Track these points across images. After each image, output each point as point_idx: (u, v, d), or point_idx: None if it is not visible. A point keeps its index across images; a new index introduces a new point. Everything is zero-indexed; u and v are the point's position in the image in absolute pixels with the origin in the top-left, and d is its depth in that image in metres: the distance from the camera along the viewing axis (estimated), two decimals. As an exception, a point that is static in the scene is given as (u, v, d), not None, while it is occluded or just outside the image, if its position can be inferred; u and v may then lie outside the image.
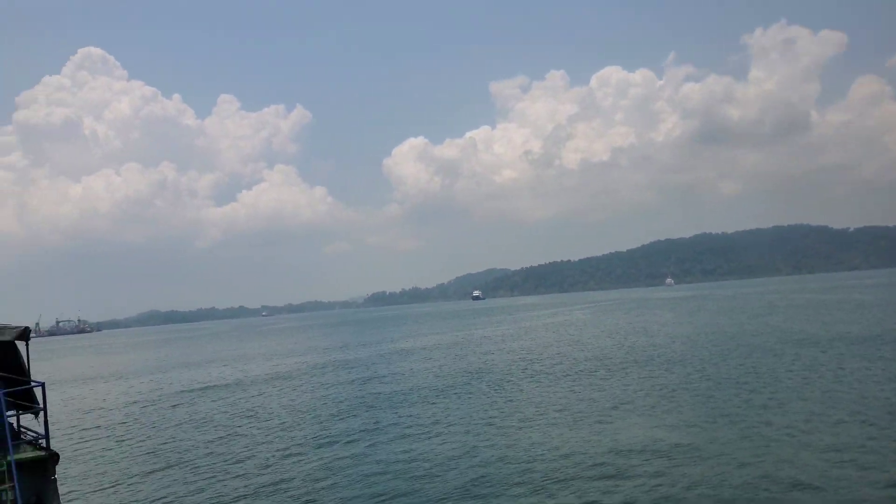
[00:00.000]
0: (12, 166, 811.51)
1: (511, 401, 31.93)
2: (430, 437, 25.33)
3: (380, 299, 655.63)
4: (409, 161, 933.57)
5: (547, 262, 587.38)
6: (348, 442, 25.84)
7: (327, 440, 26.45)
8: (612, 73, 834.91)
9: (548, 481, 18.82)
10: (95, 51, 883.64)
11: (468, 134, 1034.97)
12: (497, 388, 36.36)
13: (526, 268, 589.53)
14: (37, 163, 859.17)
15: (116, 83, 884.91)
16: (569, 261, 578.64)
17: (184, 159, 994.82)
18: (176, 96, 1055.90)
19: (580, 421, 26.15)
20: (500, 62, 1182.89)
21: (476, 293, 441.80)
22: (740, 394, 28.89)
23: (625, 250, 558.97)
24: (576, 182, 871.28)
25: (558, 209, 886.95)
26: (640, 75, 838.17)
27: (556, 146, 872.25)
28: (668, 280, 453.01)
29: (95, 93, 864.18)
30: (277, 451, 25.21)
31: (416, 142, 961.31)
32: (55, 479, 10.44)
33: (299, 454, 24.45)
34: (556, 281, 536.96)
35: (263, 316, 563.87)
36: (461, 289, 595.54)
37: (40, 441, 10.86)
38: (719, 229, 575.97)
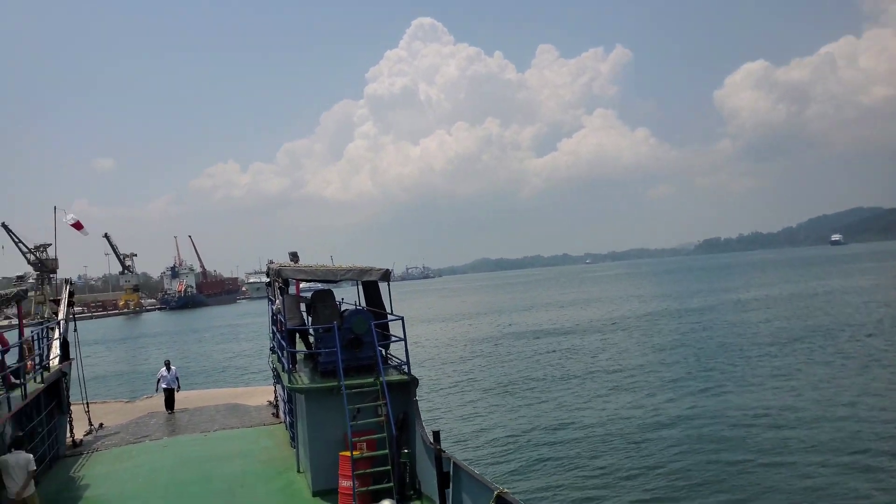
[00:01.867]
0: (366, 135, 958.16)
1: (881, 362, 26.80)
2: (782, 410, 22.61)
3: (713, 246, 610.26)
4: (745, 90, 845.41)
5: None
6: (688, 409, 24.08)
7: (665, 398, 25.41)
8: None
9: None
10: (426, 20, 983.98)
11: (822, 49, 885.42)
12: (865, 351, 30.88)
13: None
14: (384, 130, 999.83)
15: (444, 48, 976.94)
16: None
17: (506, 114, 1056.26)
18: (497, 53, 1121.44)
19: None
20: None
21: (835, 237, 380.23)
22: None
23: None
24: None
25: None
26: None
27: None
28: None
29: (427, 59, 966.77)
30: (605, 400, 25.29)
31: (753, 66, 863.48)
32: (416, 400, 11.72)
33: (632, 411, 24.09)
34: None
35: (587, 263, 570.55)
36: (814, 232, 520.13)
37: (403, 367, 12.31)
38: None
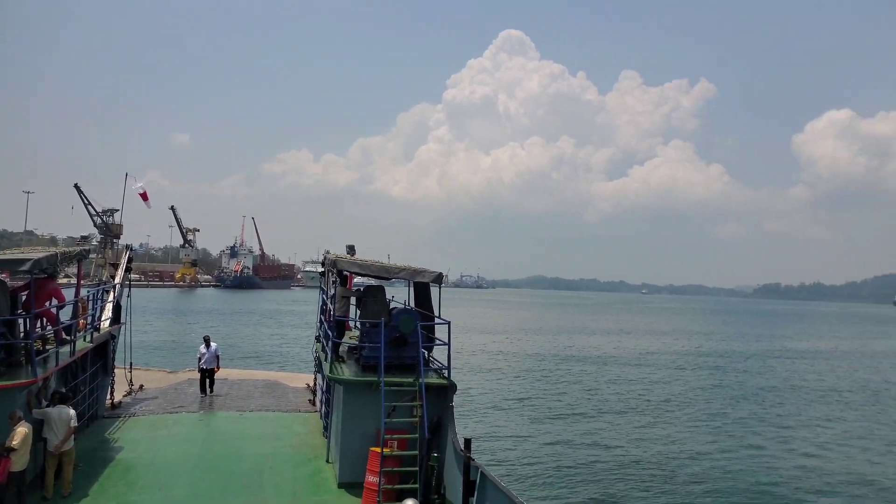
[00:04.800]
0: (440, 139, 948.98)
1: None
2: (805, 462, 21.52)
3: (772, 291, 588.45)
4: (826, 138, 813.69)
5: None
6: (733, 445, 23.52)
7: (701, 436, 24.70)
8: None
9: None
10: (514, 33, 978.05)
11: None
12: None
13: None
14: (458, 137, 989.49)
15: (529, 63, 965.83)
16: None
17: (582, 134, 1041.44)
18: (581, 73, 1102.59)
19: None
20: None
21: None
22: None
23: None
24: None
25: None
26: None
27: None
28: None
29: (510, 73, 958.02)
30: (641, 429, 24.60)
31: (838, 115, 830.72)
32: (452, 406, 11.51)
33: (665, 446, 23.29)
34: None
35: (643, 293, 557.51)
36: (879, 290, 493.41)
37: (443, 371, 12.11)
38: None
